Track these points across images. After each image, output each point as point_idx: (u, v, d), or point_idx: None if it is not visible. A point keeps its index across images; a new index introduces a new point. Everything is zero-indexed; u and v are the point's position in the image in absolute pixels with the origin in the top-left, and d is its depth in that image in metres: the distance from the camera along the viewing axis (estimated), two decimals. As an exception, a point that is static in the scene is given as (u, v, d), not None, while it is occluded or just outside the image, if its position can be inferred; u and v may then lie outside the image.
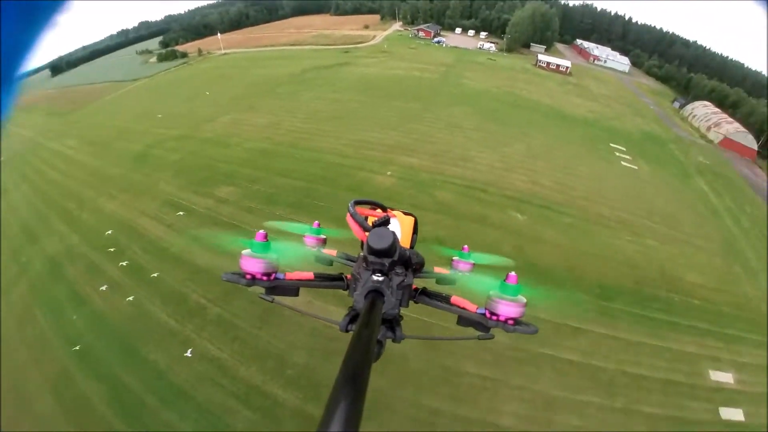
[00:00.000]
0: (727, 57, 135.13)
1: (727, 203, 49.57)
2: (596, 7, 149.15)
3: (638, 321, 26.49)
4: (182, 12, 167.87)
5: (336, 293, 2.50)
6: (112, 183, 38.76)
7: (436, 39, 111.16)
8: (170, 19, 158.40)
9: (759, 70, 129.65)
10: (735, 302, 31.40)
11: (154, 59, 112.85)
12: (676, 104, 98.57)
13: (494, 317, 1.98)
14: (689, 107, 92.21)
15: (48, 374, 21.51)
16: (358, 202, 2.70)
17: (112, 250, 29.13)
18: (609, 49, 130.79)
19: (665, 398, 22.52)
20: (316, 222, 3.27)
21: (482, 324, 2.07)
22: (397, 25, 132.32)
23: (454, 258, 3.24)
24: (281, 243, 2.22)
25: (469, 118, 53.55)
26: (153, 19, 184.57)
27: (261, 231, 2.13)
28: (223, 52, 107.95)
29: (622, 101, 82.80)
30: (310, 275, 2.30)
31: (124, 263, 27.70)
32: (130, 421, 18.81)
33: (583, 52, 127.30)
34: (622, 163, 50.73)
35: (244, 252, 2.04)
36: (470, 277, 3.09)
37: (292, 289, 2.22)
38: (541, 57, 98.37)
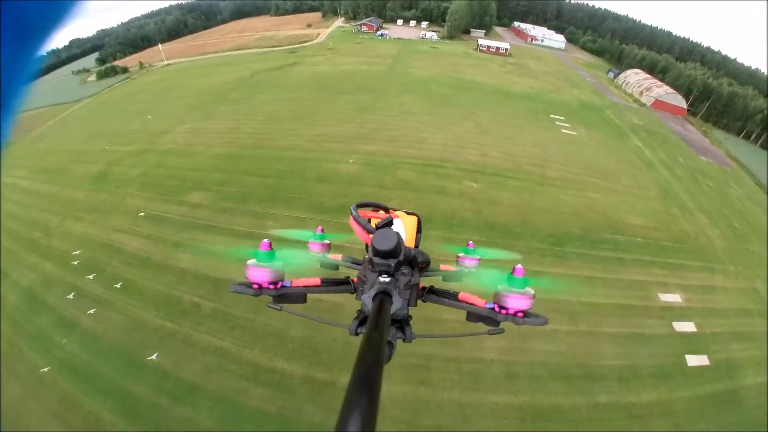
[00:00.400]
0: (656, 27, 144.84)
1: (661, 156, 55.54)
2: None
3: (589, 260, 30.42)
4: (115, 25, 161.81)
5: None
6: (76, 205, 37.96)
7: (379, 32, 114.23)
8: (103, 34, 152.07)
9: (686, 36, 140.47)
10: (675, 237, 36.37)
11: (93, 77, 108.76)
12: (611, 74, 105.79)
13: (503, 311, 1.97)
14: (622, 76, 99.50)
15: (49, 404, 21.17)
16: (360, 206, 2.68)
17: (91, 277, 28.48)
18: (545, 29, 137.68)
19: (623, 319, 26.42)
20: (320, 228, 3.26)
21: (492, 319, 2.07)
22: (339, 22, 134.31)
23: (459, 254, 3.23)
24: (286, 251, 2.25)
25: (420, 104, 56.54)
26: (84, 36, 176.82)
27: (265, 240, 2.12)
28: (166, 63, 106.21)
29: (559, 76, 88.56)
30: (316, 281, 2.30)
31: (117, 285, 27.28)
32: (147, 425, 19.60)
33: (521, 34, 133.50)
34: (563, 130, 55.30)
35: (249, 262, 2.06)
36: (476, 272, 3.11)
37: (299, 295, 2.23)
38: (481, 41, 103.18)
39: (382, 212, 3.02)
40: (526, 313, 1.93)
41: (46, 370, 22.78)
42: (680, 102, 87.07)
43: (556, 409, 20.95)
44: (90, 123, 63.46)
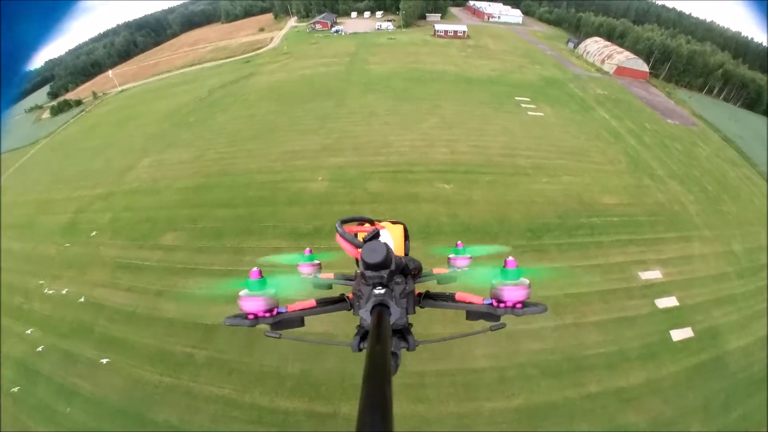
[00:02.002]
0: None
1: (628, 125, 57.03)
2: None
3: (568, 249, 31.52)
4: (62, 53, 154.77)
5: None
6: (52, 263, 36.73)
7: (334, 29, 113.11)
8: (52, 64, 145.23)
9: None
10: (649, 210, 37.75)
11: (47, 114, 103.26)
12: (570, 45, 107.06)
13: (502, 305, 2.01)
14: (582, 45, 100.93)
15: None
16: (344, 221, 2.66)
17: (81, 340, 28.09)
18: (500, 4, 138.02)
19: (606, 305, 27.56)
20: (308, 249, 3.30)
21: (491, 314, 2.10)
22: (292, 22, 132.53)
23: (450, 256, 3.28)
24: (277, 277, 2.23)
25: (383, 103, 56.74)
26: (33, 68, 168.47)
27: (255, 269, 2.11)
28: (120, 89, 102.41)
29: (519, 53, 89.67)
30: (312, 303, 2.31)
31: (103, 355, 26.70)
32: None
33: (477, 12, 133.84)
34: (529, 113, 56.23)
35: (241, 293, 2.05)
36: (470, 271, 3.16)
37: (296, 320, 2.24)
38: (438, 27, 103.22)
39: (367, 225, 2.99)
40: (524, 303, 2.00)
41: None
42: (642, 66, 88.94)
43: (550, 406, 21.82)
44: (50, 167, 61.20)
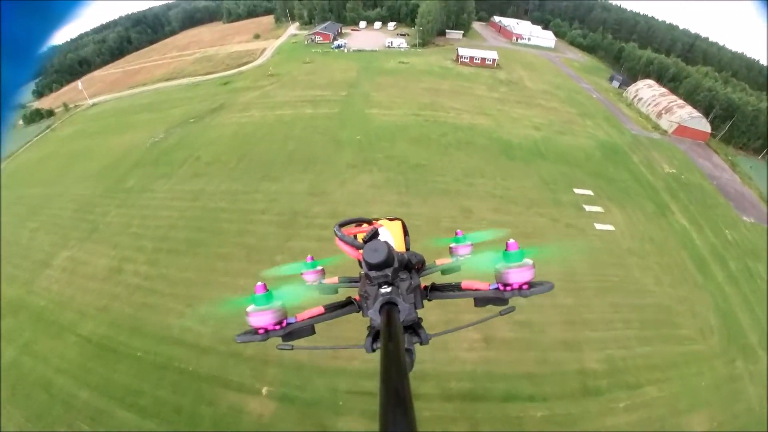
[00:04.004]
0: (651, 17, 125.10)
1: (709, 238, 40.19)
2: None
3: None
4: (54, 46, 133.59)
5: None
6: None
7: (336, 44, 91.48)
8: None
9: (687, 28, 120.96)
10: None
11: (21, 122, 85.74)
12: (615, 83, 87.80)
13: (508, 288, 1.91)
14: (632, 89, 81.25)
15: None
16: (342, 225, 2.53)
17: None
18: (529, 23, 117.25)
19: None
20: (310, 256, 2.99)
21: (499, 298, 2.00)
22: (292, 28, 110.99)
23: (451, 245, 3.03)
24: (282, 288, 2.11)
25: (383, 193, 37.81)
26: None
27: (259, 283, 1.99)
28: (90, 103, 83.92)
29: (563, 96, 69.83)
30: (320, 309, 2.19)
31: None
32: None
33: (503, 31, 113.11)
34: (596, 225, 37.21)
35: (248, 309, 1.93)
36: (472, 258, 2.94)
37: (307, 329, 2.12)
38: (462, 51, 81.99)
39: (365, 225, 2.86)
40: (530, 284, 1.91)
41: None
42: (704, 126, 69.40)
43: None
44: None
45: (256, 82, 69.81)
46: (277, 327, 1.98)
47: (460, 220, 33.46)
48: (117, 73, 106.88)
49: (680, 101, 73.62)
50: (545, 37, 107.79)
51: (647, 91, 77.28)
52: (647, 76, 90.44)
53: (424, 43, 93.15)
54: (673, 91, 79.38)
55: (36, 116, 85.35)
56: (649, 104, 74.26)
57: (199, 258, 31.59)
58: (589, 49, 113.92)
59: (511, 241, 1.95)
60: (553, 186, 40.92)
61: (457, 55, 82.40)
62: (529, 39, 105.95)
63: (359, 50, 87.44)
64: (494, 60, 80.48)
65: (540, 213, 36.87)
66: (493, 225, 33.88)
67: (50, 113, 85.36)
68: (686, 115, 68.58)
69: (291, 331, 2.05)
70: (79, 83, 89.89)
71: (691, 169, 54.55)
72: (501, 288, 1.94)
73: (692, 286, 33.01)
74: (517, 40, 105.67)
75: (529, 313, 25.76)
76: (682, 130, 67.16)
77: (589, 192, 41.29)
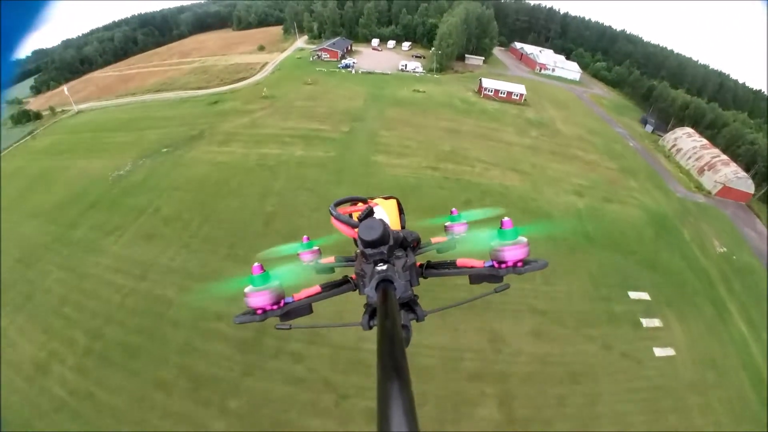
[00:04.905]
0: (678, 53, 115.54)
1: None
2: (529, 2, 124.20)
3: None
4: (53, 45, 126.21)
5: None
6: None
7: (343, 63, 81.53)
8: (41, 55, 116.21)
9: (718, 68, 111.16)
10: None
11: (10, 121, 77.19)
12: (648, 127, 78.97)
13: (503, 265, 1.90)
14: (670, 137, 71.67)
15: None
16: (337, 204, 2.53)
17: None
18: (551, 52, 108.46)
19: None
20: (305, 237, 2.90)
21: (494, 276, 1.99)
22: (300, 42, 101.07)
23: (446, 224, 2.98)
24: (279, 268, 2.08)
25: None
26: (20, 57, 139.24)
27: (256, 264, 1.95)
28: (76, 110, 74.53)
29: (600, 145, 59.92)
30: (317, 289, 2.17)
31: None
32: None
33: (525, 58, 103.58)
34: (655, 351, 27.53)
35: (246, 290, 1.91)
36: (467, 236, 2.87)
37: (305, 308, 2.09)
38: (486, 83, 72.11)
39: (360, 204, 2.89)
40: (524, 261, 1.90)
41: None
42: (749, 187, 59.88)
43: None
44: None
45: (246, 104, 59.72)
46: (275, 307, 1.95)
47: (489, 354, 22.92)
48: (113, 77, 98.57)
49: (723, 156, 64.19)
50: (570, 69, 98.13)
51: (687, 142, 67.59)
52: (681, 120, 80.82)
53: (441, 69, 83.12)
54: (711, 140, 69.90)
55: (23, 118, 77.01)
56: (690, 157, 64.67)
57: (134, 379, 22.56)
58: (614, 83, 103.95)
59: (506, 219, 1.92)
60: (606, 289, 30.79)
61: (480, 87, 72.49)
62: (553, 70, 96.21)
63: (369, 72, 77.70)
64: (521, 95, 70.65)
65: (591, 336, 26.85)
66: (533, 362, 23.52)
67: (37, 116, 76.83)
68: (732, 174, 59.02)
69: (289, 311, 2.01)
70: (65, 88, 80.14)
71: (739, 244, 45.11)
72: (496, 265, 1.91)
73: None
74: (540, 70, 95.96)
75: None
76: (726, 191, 57.86)
77: (646, 296, 31.41)
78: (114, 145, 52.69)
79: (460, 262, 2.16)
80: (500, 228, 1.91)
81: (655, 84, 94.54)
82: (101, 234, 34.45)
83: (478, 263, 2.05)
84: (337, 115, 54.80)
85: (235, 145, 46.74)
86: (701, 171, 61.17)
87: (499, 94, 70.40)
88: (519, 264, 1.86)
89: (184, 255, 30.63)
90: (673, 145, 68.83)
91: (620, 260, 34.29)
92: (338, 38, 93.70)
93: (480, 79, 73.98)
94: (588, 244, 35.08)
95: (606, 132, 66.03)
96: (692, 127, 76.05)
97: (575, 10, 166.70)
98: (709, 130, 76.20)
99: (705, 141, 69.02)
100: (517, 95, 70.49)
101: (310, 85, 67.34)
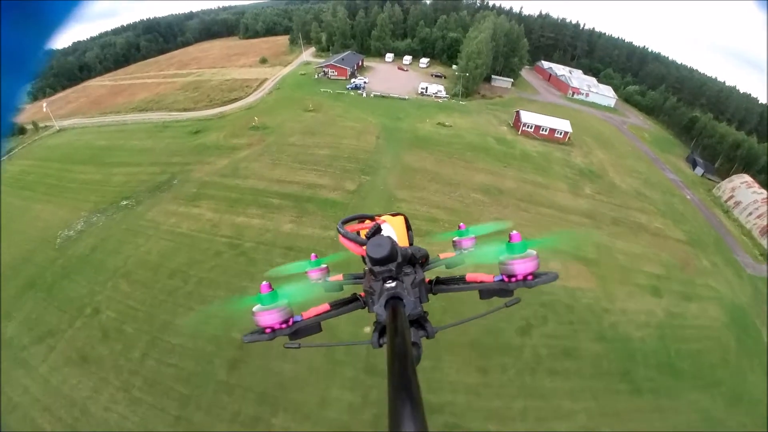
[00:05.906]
0: (716, 78, 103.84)
1: None
2: (556, 17, 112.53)
3: None
4: (54, 49, 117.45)
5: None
6: None
7: (353, 83, 70.20)
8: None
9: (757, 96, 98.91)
10: None
11: None
12: (698, 170, 68.19)
13: (513, 279, 1.85)
14: (726, 187, 59.82)
15: None
16: (345, 221, 2.48)
17: None
18: (581, 72, 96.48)
19: None
20: (314, 254, 2.84)
21: (504, 290, 1.93)
22: (307, 54, 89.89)
23: (454, 239, 2.88)
24: (287, 287, 2.01)
25: None
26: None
27: (264, 282, 1.92)
28: (58, 127, 65.34)
29: (659, 203, 48.34)
30: (326, 307, 2.12)
31: None
32: None
33: (553, 80, 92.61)
34: None
35: (254, 309, 1.87)
36: (476, 251, 2.81)
37: (314, 326, 2.05)
38: (525, 117, 59.92)
39: (368, 221, 2.82)
40: (534, 275, 1.84)
41: None
42: None
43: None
44: None
45: (231, 138, 48.74)
46: (284, 326, 1.92)
47: None
48: (105, 88, 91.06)
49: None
50: (605, 94, 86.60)
51: (747, 194, 56.16)
52: (730, 161, 69.50)
53: (468, 93, 71.12)
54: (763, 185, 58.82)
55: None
56: (751, 213, 53.44)
57: None
58: (649, 110, 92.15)
59: (515, 232, 1.87)
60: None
61: (518, 121, 60.42)
62: (587, 95, 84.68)
63: (382, 95, 66.35)
64: (566, 134, 58.83)
65: None
66: None
67: (22, 131, 67.65)
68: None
69: (297, 330, 1.98)
70: (44, 104, 69.49)
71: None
72: (506, 280, 1.88)
73: None
74: (573, 94, 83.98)
75: None
76: (787, 254, 47.73)
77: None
78: (76, 186, 42.82)
79: (469, 277, 2.09)
80: (509, 241, 1.84)
81: (698, 115, 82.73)
82: (32, 339, 24.61)
83: (487, 278, 1.98)
84: (341, 160, 43.55)
85: (206, 204, 35.71)
86: (763, 232, 49.88)
87: (541, 131, 58.66)
88: (529, 277, 1.80)
89: (123, 405, 20.68)
90: (730, 196, 57.55)
91: (709, 405, 23.47)
92: (348, 52, 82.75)
93: (517, 112, 61.90)
94: (675, 382, 23.85)
95: (660, 181, 54.89)
96: (743, 170, 65.01)
97: (589, 23, 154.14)
98: (762, 174, 64.71)
99: (765, 193, 57.55)
100: (560, 133, 58.89)
101: (312, 112, 56.34)
